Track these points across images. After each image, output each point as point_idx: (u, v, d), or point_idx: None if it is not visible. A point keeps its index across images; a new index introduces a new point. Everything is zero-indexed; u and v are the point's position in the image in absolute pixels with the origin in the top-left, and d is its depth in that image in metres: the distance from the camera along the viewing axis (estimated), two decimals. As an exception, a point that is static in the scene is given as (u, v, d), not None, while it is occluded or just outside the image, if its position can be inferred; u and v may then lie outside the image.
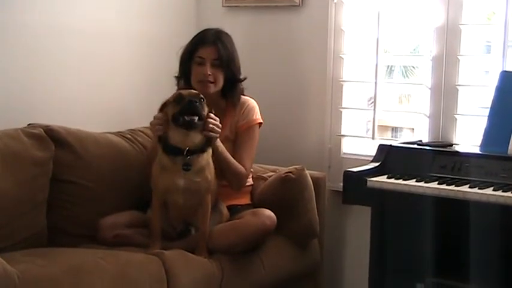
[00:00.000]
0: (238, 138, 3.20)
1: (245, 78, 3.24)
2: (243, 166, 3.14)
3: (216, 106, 3.09)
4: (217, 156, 3.00)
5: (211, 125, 2.89)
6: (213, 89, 3.12)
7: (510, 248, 2.79)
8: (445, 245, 2.94)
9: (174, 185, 2.89)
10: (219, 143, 3.01)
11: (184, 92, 2.93)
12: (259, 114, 3.25)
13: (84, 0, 3.46)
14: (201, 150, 2.90)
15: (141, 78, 3.76)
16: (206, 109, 2.90)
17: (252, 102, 3.26)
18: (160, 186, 2.92)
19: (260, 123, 3.26)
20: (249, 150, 3.20)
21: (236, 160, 3.12)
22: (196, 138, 2.88)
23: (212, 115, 2.92)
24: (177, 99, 2.88)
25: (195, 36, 3.21)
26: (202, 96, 2.90)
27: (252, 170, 3.31)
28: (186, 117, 2.83)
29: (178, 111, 2.84)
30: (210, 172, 2.95)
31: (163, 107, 2.93)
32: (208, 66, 3.11)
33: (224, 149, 3.05)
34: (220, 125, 2.94)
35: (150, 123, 2.97)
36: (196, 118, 2.84)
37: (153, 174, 2.95)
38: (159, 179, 2.92)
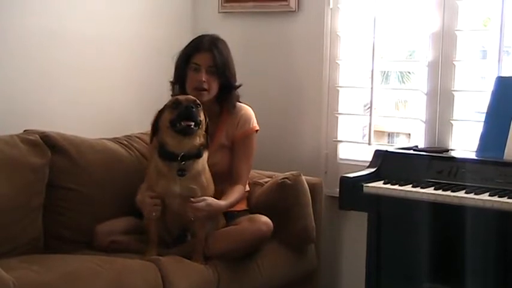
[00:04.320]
0: (235, 147, 3.19)
1: (240, 85, 3.23)
2: (240, 177, 3.16)
3: (211, 112, 3.08)
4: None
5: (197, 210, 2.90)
6: (206, 96, 3.11)
7: (506, 253, 2.79)
8: (442, 251, 2.95)
9: (170, 191, 2.89)
10: (218, 205, 3.00)
11: (181, 97, 2.94)
12: (255, 121, 3.24)
13: (81, 6, 3.46)
14: (196, 155, 2.90)
15: (137, 84, 3.76)
16: (202, 115, 2.90)
17: (248, 110, 3.25)
18: (157, 192, 2.91)
19: (257, 130, 3.25)
20: (246, 160, 3.19)
21: (233, 170, 3.14)
22: (192, 143, 2.88)
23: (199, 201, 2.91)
24: (174, 104, 2.89)
25: (191, 42, 3.21)
26: (199, 102, 2.91)
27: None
28: (182, 123, 2.83)
29: (176, 117, 2.85)
30: (206, 177, 2.96)
31: (160, 113, 2.93)
32: (203, 73, 3.10)
33: (226, 205, 3.05)
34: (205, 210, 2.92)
35: (144, 202, 2.95)
36: (192, 124, 2.84)
37: (149, 179, 2.95)
38: (155, 185, 2.92)
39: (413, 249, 3.00)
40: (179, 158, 2.86)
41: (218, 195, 3.10)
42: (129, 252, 2.89)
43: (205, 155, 2.96)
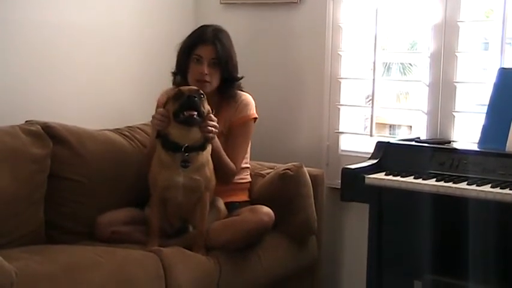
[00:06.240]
0: (232, 132, 3.19)
1: (242, 77, 3.23)
2: (235, 163, 3.14)
3: (211, 102, 3.07)
4: (211, 153, 3.00)
5: (209, 127, 2.89)
6: (209, 88, 3.10)
7: (507, 245, 2.79)
8: (443, 242, 2.95)
9: (173, 182, 2.89)
10: (215, 139, 3.01)
11: (184, 88, 2.93)
12: (254, 109, 3.24)
13: (82, -2, 3.47)
14: (201, 147, 2.90)
15: (139, 75, 3.75)
16: (206, 106, 2.90)
17: (247, 97, 3.25)
18: (159, 183, 2.91)
19: (255, 118, 3.25)
20: (242, 146, 3.20)
21: (228, 155, 3.12)
22: (196, 135, 2.88)
23: (212, 116, 2.91)
24: (176, 95, 2.88)
25: (193, 32, 3.20)
26: (202, 92, 2.90)
27: (248, 165, 3.32)
28: (185, 113, 2.83)
29: (178, 107, 2.84)
30: (210, 169, 2.95)
31: (164, 105, 2.92)
32: (205, 65, 3.10)
33: (219, 146, 3.05)
34: (217, 126, 2.93)
35: (152, 117, 2.95)
36: (195, 114, 2.83)
37: (152, 170, 2.95)
38: (158, 175, 2.92)
39: (414, 241, 3.00)
40: (183, 149, 2.86)
41: (221, 187, 3.09)
42: (131, 243, 2.89)
43: (210, 147, 2.96)
